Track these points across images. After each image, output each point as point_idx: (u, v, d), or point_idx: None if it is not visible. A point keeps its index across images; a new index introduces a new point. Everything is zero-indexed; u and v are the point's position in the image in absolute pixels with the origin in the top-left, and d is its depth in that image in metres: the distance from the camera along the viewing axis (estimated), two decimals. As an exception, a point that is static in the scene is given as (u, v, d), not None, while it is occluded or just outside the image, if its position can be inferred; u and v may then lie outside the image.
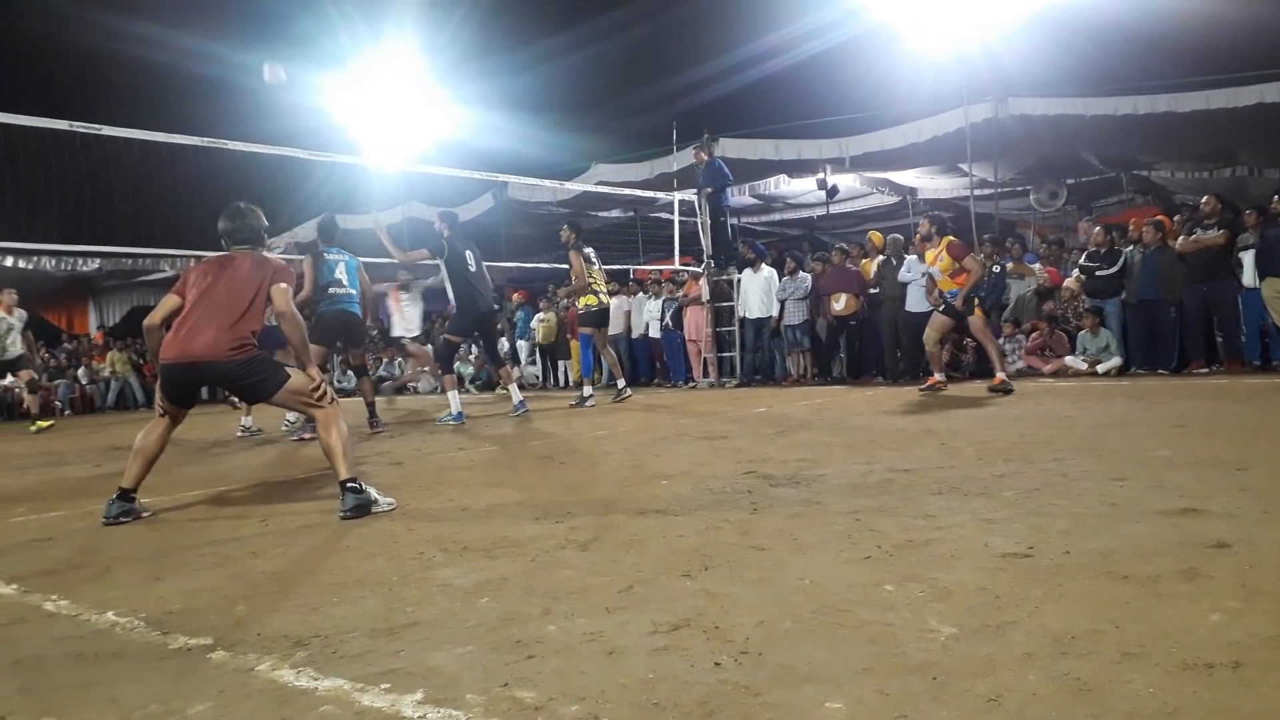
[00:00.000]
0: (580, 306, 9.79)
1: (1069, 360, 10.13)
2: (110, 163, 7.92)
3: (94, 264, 18.33)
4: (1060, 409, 6.43)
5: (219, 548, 3.27)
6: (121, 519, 3.90)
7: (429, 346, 13.64)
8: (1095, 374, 9.72)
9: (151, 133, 7.76)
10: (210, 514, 4.07)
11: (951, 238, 8.58)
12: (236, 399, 12.99)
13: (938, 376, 8.87)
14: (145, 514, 4.01)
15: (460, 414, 8.39)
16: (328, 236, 8.17)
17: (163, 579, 2.83)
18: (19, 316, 11.47)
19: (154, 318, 4.12)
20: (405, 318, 11.36)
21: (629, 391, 9.99)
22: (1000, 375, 8.28)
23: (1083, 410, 6.07)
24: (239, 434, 8.45)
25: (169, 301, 4.11)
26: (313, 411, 4.03)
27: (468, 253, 8.68)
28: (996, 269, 11.34)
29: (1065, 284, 10.72)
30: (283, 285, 4.07)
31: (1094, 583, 2.17)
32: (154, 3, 20.78)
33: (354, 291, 7.98)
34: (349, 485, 3.77)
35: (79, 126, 7.16)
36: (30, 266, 17.25)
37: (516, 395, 8.95)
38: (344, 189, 18.25)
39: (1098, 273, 10.17)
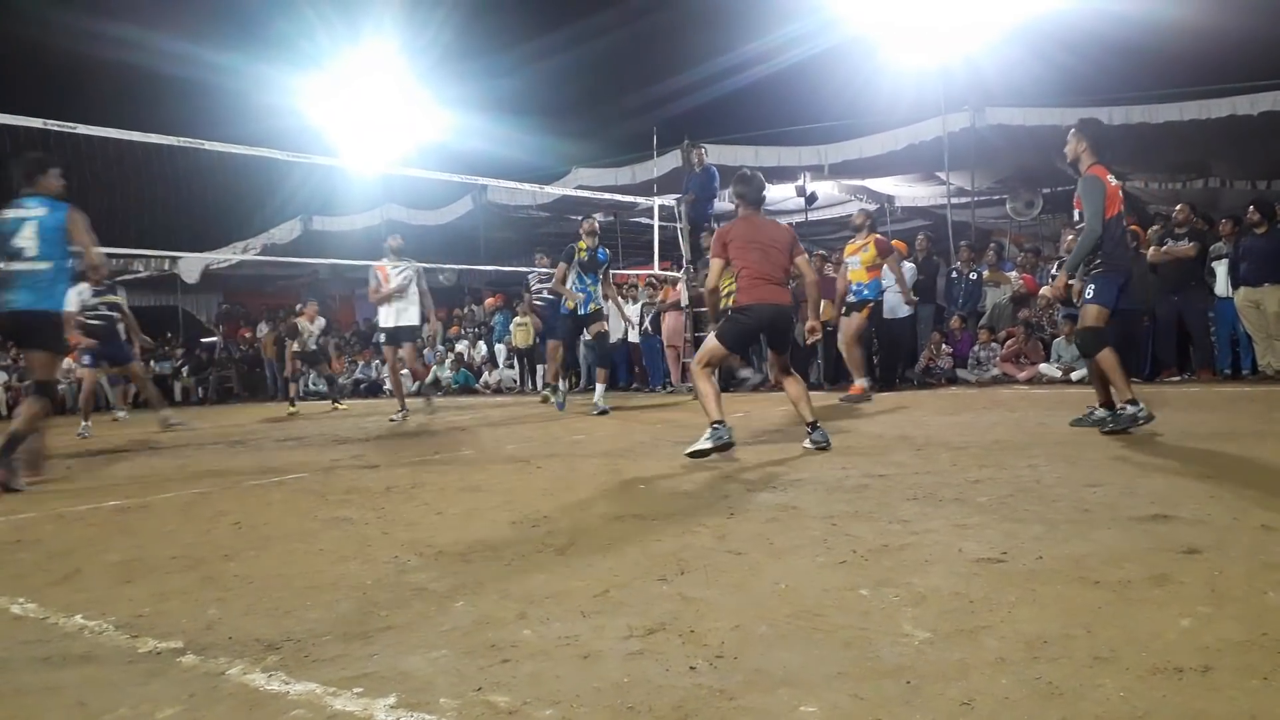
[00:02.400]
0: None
1: (1044, 367, 10.23)
2: (85, 162, 7.84)
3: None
4: (1035, 416, 6.49)
5: (191, 550, 3.23)
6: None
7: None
8: (1070, 381, 9.81)
9: (127, 132, 7.69)
10: (183, 516, 4.02)
11: (879, 235, 8.97)
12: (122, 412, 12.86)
13: (861, 383, 8.85)
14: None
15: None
16: None
17: (133, 582, 2.80)
18: None
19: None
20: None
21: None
22: (861, 383, 8.67)
23: (1057, 417, 6.12)
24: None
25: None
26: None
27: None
28: (973, 276, 11.43)
29: (1041, 292, 10.82)
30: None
31: (1066, 588, 2.18)
32: (130, 4, 20.59)
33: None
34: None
35: (53, 125, 7.09)
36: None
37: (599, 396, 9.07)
38: (322, 191, 18.16)
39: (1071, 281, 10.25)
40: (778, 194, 15.57)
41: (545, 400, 11.13)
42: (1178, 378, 9.30)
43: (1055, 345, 10.35)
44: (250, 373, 20.47)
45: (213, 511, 4.11)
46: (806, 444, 5.01)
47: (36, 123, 7.01)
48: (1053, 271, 10.75)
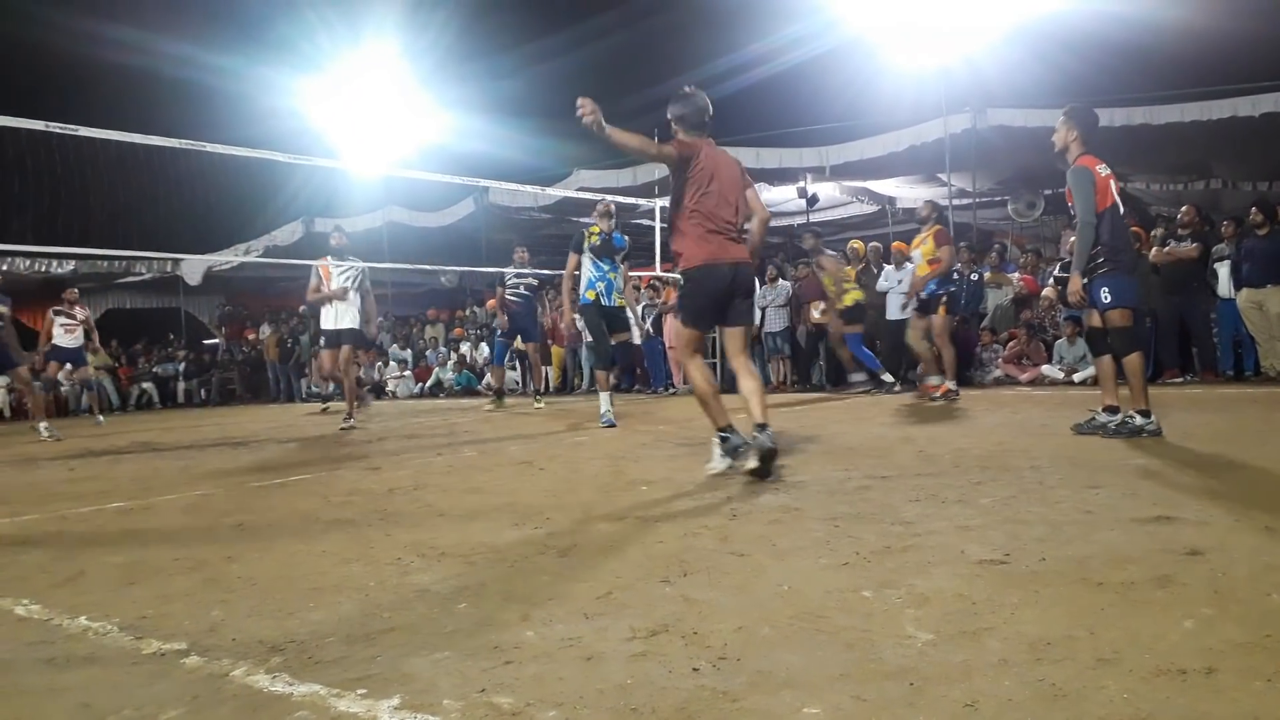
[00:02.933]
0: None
1: (1046, 369, 10.23)
2: (86, 164, 7.84)
3: (68, 266, 18.15)
4: (1037, 417, 6.49)
5: (194, 552, 3.23)
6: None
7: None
8: (1072, 382, 9.81)
9: (128, 134, 7.70)
10: (186, 518, 4.03)
11: (940, 226, 8.46)
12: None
13: (943, 383, 8.34)
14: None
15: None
16: None
17: (136, 583, 2.80)
18: None
19: None
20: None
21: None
22: (947, 384, 8.23)
23: (1060, 418, 6.12)
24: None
25: None
26: None
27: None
28: (975, 277, 11.42)
29: (1044, 293, 10.82)
30: None
31: (1069, 589, 2.18)
32: (131, 7, 20.63)
33: None
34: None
35: (55, 127, 7.10)
36: (4, 267, 17.05)
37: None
38: (323, 193, 18.17)
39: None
40: (779, 195, 15.59)
41: (497, 407, 10.68)
42: (1180, 379, 9.30)
43: (1057, 346, 10.36)
44: (252, 375, 20.49)
45: (216, 513, 4.11)
46: (749, 441, 4.15)
47: (38, 124, 7.01)
48: (1053, 273, 10.75)
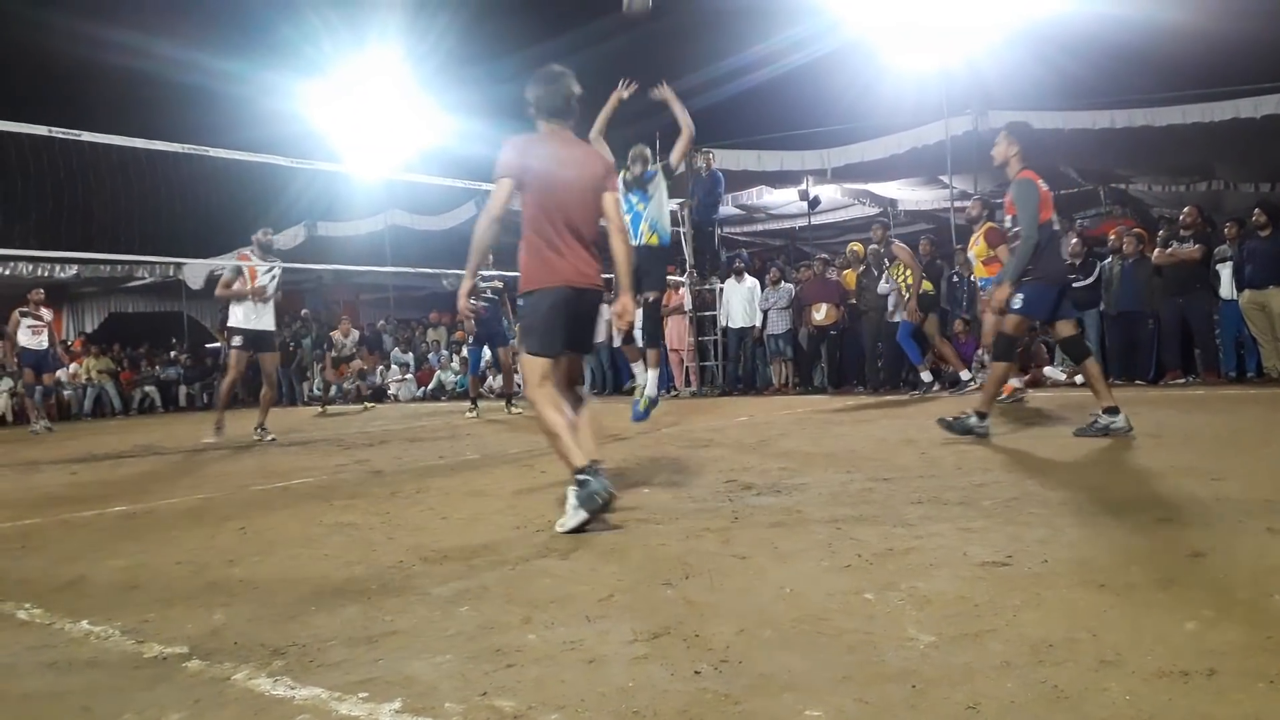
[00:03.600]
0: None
1: (1048, 370, 10.22)
2: (89, 169, 7.86)
3: (71, 270, 18.15)
4: (1038, 419, 6.48)
5: (196, 556, 3.24)
6: None
7: None
8: (1074, 384, 9.79)
9: (131, 139, 7.72)
10: (187, 522, 4.03)
11: (992, 224, 8.00)
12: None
13: (1012, 383, 7.88)
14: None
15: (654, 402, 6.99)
16: None
17: (138, 587, 2.80)
18: None
19: None
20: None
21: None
22: (1013, 383, 7.86)
23: (1061, 420, 6.12)
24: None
25: None
26: None
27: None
28: (974, 279, 11.40)
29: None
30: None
31: (1071, 591, 2.18)
32: (134, 11, 20.67)
33: None
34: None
35: (58, 132, 7.12)
36: (6, 272, 17.08)
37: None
38: (326, 197, 18.18)
39: (1074, 284, 10.25)
40: (780, 198, 15.60)
41: (473, 412, 10.37)
42: (1182, 380, 9.29)
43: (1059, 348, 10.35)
44: (254, 378, 20.47)
45: (217, 517, 4.11)
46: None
47: (41, 130, 7.03)
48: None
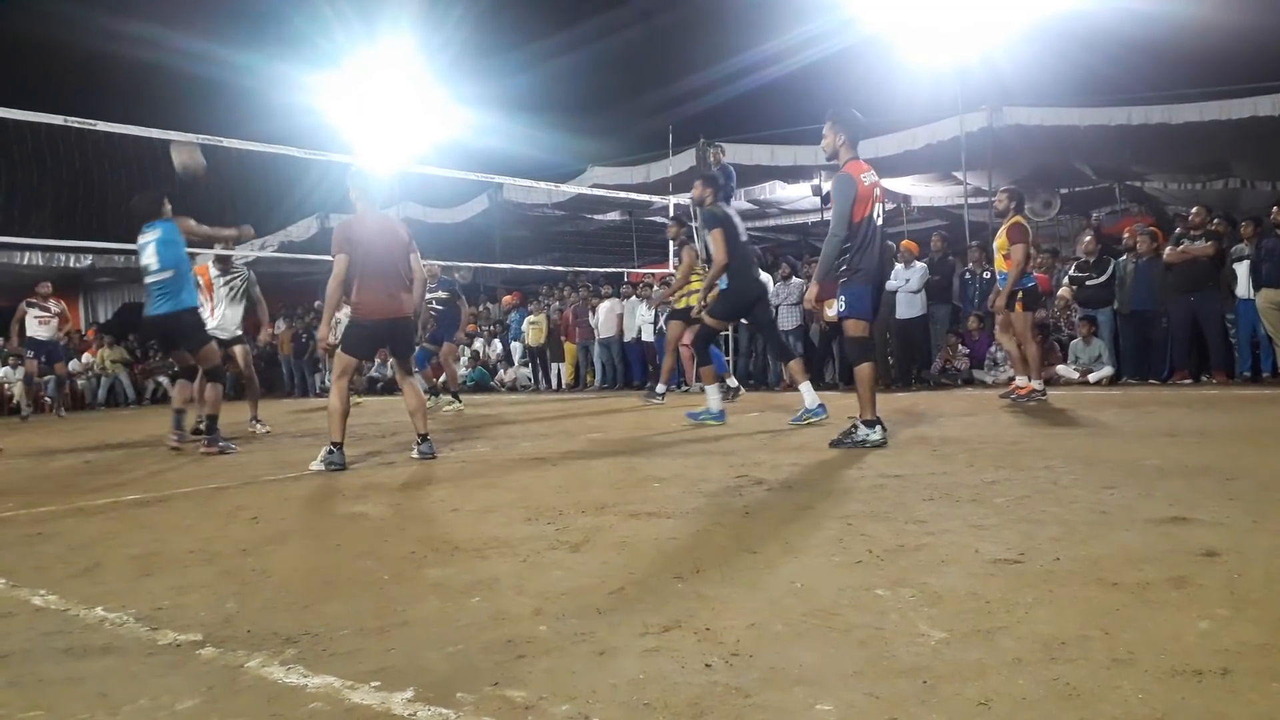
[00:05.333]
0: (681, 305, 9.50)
1: (1061, 369, 10.18)
2: (105, 159, 7.90)
3: (86, 260, 18.25)
4: (1051, 417, 6.45)
5: (209, 545, 3.26)
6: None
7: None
8: (1087, 383, 9.76)
9: (146, 129, 7.76)
10: (201, 511, 4.06)
11: (1020, 219, 7.90)
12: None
13: (1027, 383, 7.89)
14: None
15: (722, 412, 7.09)
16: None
17: (152, 575, 2.82)
18: None
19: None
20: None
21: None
22: (1031, 383, 7.81)
23: (1074, 419, 6.09)
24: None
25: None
26: None
27: (736, 218, 7.28)
28: (988, 276, 11.37)
29: (1059, 293, 10.75)
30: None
31: (1084, 589, 2.17)
32: (151, 3, 20.73)
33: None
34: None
35: (74, 121, 7.16)
36: (21, 262, 17.18)
37: (809, 396, 6.81)
38: (340, 189, 18.22)
39: (1087, 282, 10.22)
40: (793, 193, 15.57)
41: (459, 412, 10.64)
42: (1189, 380, 9.24)
43: (1072, 346, 10.31)
44: (266, 369, 20.56)
45: (230, 506, 4.14)
46: (414, 454, 5.56)
47: (57, 119, 7.07)
48: (1068, 273, 10.70)
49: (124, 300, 22.04)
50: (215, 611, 2.37)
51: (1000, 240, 7.96)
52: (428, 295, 11.20)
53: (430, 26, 19.85)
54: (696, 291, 8.64)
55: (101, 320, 21.67)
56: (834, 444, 5.08)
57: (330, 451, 5.18)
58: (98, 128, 7.39)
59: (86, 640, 2.19)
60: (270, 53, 19.93)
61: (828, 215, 16.94)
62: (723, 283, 7.01)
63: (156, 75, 20.26)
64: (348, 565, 2.83)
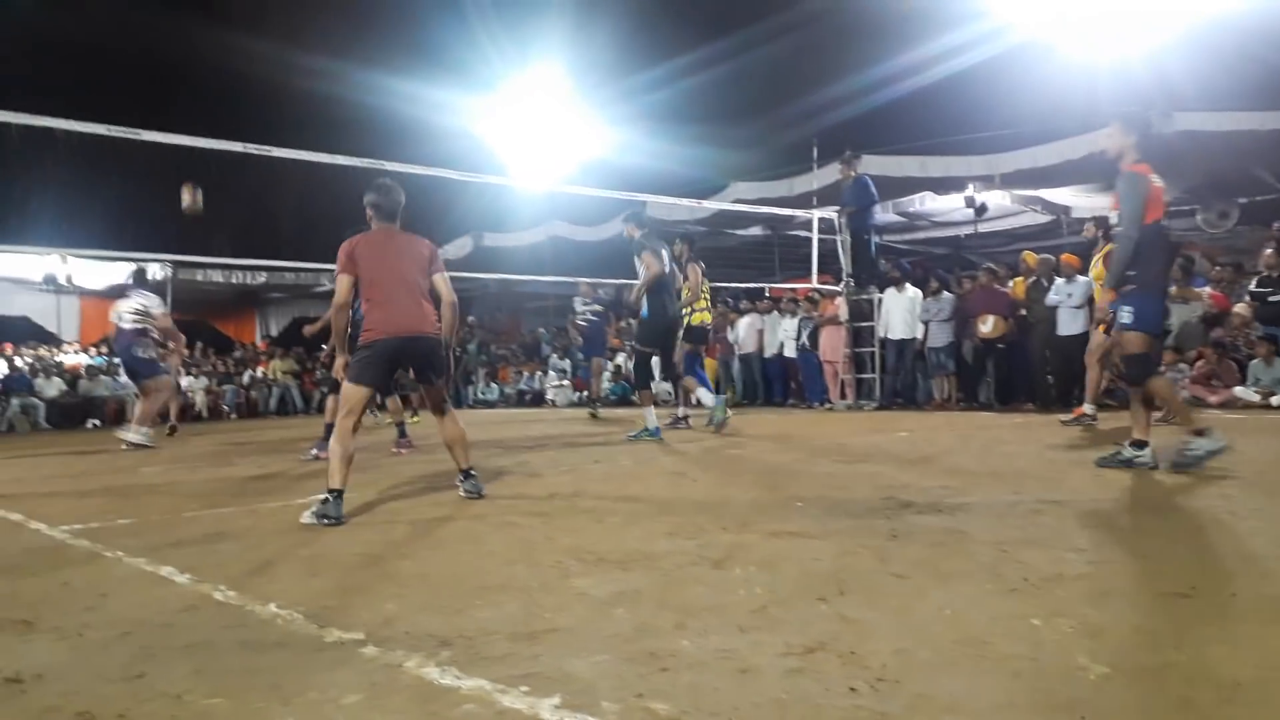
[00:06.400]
0: (696, 321, 9.59)
1: (1239, 391, 9.47)
2: (283, 182, 8.45)
3: (260, 278, 19.52)
4: (1228, 443, 6.01)
5: (371, 548, 3.44)
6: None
7: None
8: (1270, 406, 9.05)
9: (315, 154, 8.27)
10: (363, 517, 4.27)
11: (1111, 245, 7.35)
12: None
13: (1084, 408, 8.05)
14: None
15: (658, 429, 7.79)
16: None
17: (319, 575, 3.00)
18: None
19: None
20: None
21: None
22: (1084, 407, 7.92)
23: (1254, 445, 5.66)
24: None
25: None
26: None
27: (665, 253, 8.01)
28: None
29: (1236, 309, 10.04)
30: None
31: (1263, 628, 2.03)
32: (323, 37, 22.08)
33: None
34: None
35: (253, 148, 7.70)
36: (203, 279, 18.53)
37: (650, 419, 7.87)
38: (494, 210, 18.88)
39: (1269, 298, 9.50)
40: (944, 205, 15.10)
41: (593, 416, 11.57)
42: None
43: (1252, 367, 9.58)
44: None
45: (390, 512, 4.35)
46: (460, 492, 4.68)
47: (237, 146, 7.62)
48: (1249, 288, 9.98)
49: (294, 315, 23.46)
50: (376, 611, 2.50)
51: (1097, 270, 7.77)
52: (582, 308, 12.08)
53: (577, 49, 20.35)
54: (702, 310, 9.50)
55: (273, 334, 23.11)
56: (1101, 463, 4.89)
57: (325, 501, 4.09)
58: (273, 154, 7.91)
59: (261, 634, 2.35)
60: (431, 80, 20.83)
61: (982, 228, 16.35)
62: (644, 312, 7.95)
63: (326, 104, 21.54)
64: (498, 572, 2.93)
